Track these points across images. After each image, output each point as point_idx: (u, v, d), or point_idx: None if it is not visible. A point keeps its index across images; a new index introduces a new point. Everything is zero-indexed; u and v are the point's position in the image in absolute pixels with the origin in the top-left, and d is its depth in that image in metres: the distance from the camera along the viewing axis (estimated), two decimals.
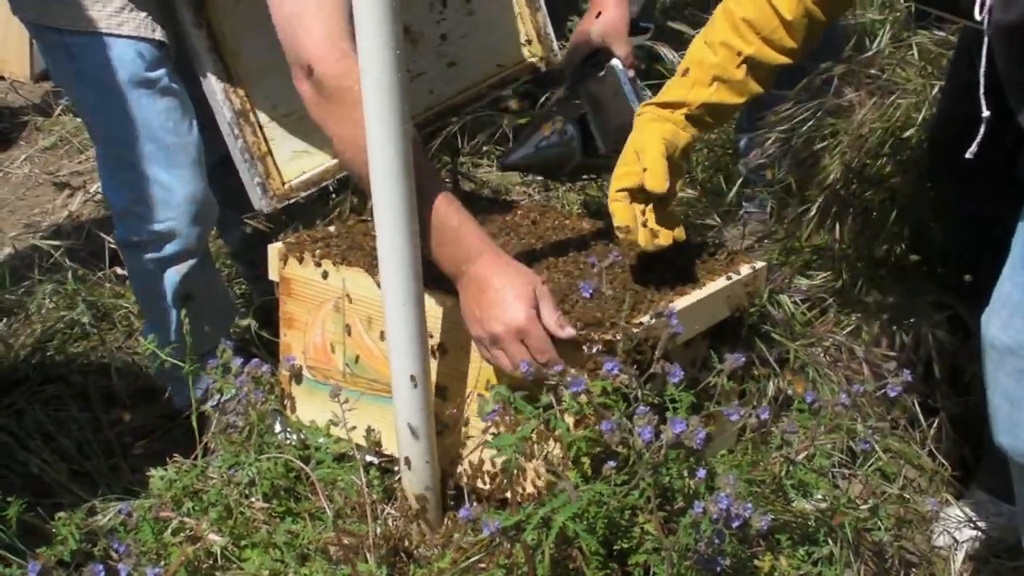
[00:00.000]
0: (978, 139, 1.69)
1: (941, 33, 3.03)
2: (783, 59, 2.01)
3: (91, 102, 2.31)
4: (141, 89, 2.26)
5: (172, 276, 2.43)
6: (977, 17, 1.64)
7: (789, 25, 1.97)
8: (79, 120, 4.53)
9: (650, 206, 2.02)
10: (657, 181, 1.96)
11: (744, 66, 2.00)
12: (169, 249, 2.39)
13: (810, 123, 2.78)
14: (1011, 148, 1.99)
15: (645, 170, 1.96)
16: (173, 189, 2.33)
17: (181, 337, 2.30)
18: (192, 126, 2.36)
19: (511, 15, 2.55)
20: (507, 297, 1.81)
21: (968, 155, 1.69)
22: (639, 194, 1.99)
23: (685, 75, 2.03)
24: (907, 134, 2.71)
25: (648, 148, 1.99)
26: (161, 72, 2.28)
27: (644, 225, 2.00)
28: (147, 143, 2.29)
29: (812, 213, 2.73)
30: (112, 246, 3.25)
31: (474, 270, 1.84)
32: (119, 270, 3.25)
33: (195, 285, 2.47)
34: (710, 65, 2.01)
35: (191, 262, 2.43)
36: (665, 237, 2.03)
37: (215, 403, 2.17)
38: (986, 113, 1.68)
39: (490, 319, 1.83)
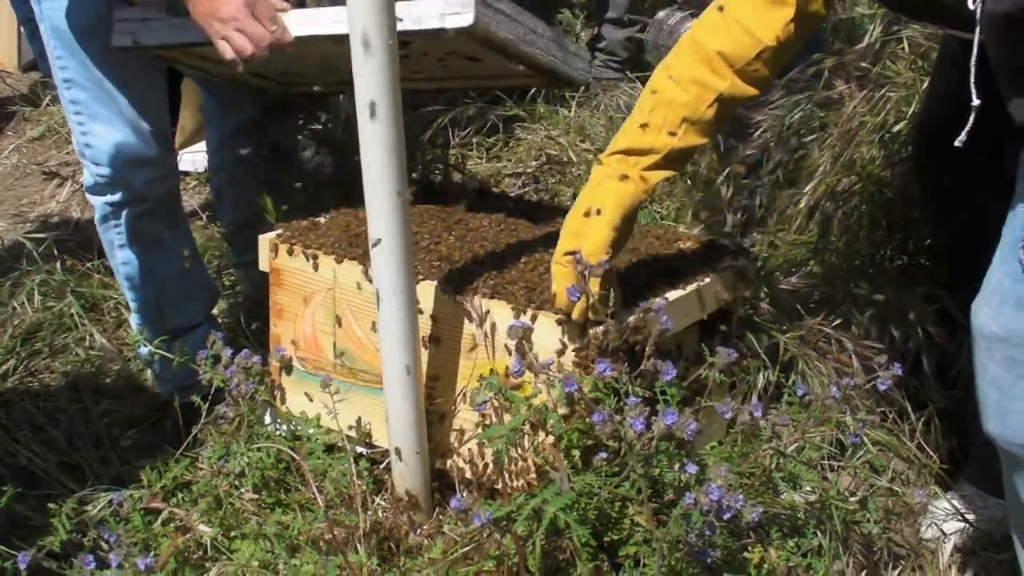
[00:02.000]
0: (967, 127, 1.69)
1: (931, 28, 3.04)
2: (752, 92, 1.90)
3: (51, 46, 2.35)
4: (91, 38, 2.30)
5: (125, 220, 2.48)
6: (970, 6, 1.65)
7: (771, 52, 1.86)
8: None
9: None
10: (596, 254, 1.82)
11: (716, 104, 1.87)
12: (118, 196, 2.44)
13: (799, 115, 2.78)
14: (998, 139, 2.00)
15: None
16: (105, 136, 2.37)
17: (155, 313, 2.32)
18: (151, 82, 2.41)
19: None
20: None
21: (957, 143, 1.69)
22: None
23: (644, 127, 1.88)
24: (897, 127, 2.72)
25: (604, 213, 1.84)
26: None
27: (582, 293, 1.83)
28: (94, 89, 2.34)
29: (801, 206, 2.74)
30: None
31: None
32: (107, 261, 3.24)
33: (146, 237, 2.50)
34: (679, 104, 1.87)
35: (138, 209, 2.46)
36: (598, 312, 1.83)
37: (201, 393, 2.17)
38: (976, 101, 1.68)
39: (219, 5, 2.05)
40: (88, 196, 2.50)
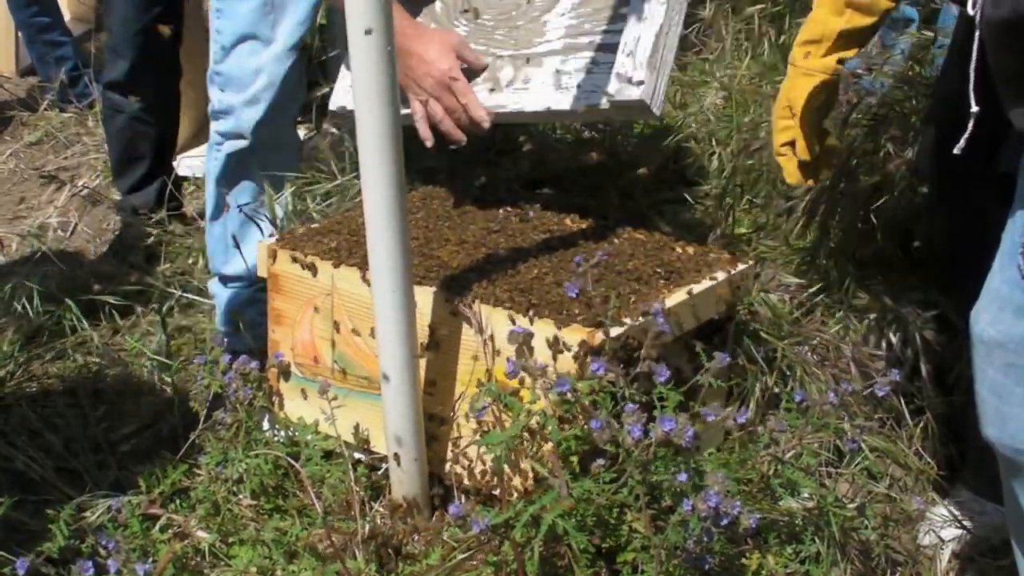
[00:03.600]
0: (966, 134, 1.70)
1: (929, 33, 3.05)
2: None
3: None
4: None
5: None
6: (970, 12, 1.65)
7: None
8: (65, 115, 4.54)
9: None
10: (804, 150, 2.15)
11: None
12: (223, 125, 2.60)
13: None
14: (998, 144, 2.00)
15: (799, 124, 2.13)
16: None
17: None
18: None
19: None
20: (430, 53, 2.16)
21: (956, 150, 1.70)
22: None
23: (814, 20, 2.11)
24: (893, 129, 2.72)
25: (797, 112, 2.12)
26: None
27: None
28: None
29: (799, 210, 2.74)
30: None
31: (398, 42, 1.91)
32: (108, 263, 3.24)
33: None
34: None
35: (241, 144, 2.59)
36: (826, 173, 2.32)
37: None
38: (975, 108, 1.68)
39: (421, 77, 2.15)
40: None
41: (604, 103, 2.13)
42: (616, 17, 2.19)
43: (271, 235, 2.43)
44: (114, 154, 3.51)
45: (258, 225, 2.59)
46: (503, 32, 2.28)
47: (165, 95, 3.42)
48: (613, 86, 2.12)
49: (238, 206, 2.65)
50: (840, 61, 2.11)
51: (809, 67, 2.11)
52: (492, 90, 2.25)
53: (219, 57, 2.60)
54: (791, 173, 2.20)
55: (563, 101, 2.18)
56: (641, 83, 2.09)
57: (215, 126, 2.63)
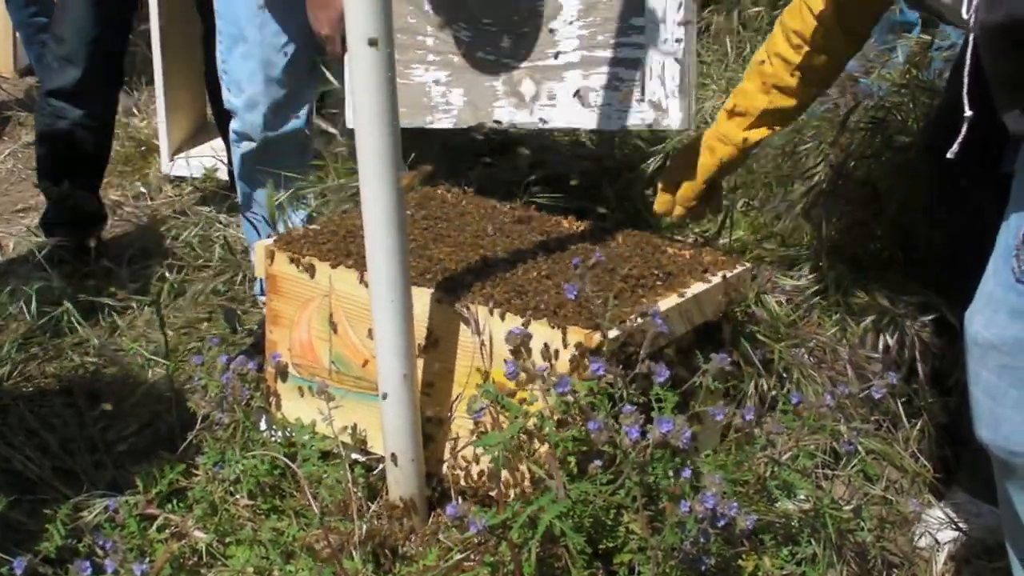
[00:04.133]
0: (959, 138, 1.70)
1: (927, 37, 3.06)
2: (826, 60, 2.14)
3: None
4: None
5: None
6: (964, 16, 1.66)
7: (829, 19, 2.08)
8: None
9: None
10: (688, 199, 2.33)
11: (797, 73, 2.15)
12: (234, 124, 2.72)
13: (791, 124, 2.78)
14: (994, 147, 2.01)
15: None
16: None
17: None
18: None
19: None
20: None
21: (949, 155, 1.70)
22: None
23: (742, 92, 2.21)
24: (891, 133, 2.73)
25: (700, 172, 2.27)
26: None
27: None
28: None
29: (796, 211, 2.75)
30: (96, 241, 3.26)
31: None
32: (106, 262, 3.24)
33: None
34: (768, 74, 2.18)
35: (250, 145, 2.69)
36: (709, 217, 2.49)
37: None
38: (968, 112, 1.69)
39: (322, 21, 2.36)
40: None
41: (639, 123, 2.23)
42: (628, 28, 2.22)
43: (268, 235, 2.44)
44: (48, 161, 3.44)
45: (272, 225, 2.61)
46: (510, 40, 2.30)
47: (109, 107, 3.41)
48: (648, 115, 2.19)
49: (244, 214, 2.69)
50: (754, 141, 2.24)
51: (725, 135, 2.23)
52: (518, 106, 2.30)
53: (224, 56, 2.61)
54: (661, 204, 2.37)
55: (593, 120, 2.25)
56: (677, 112, 2.19)
57: (231, 124, 2.69)
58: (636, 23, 2.21)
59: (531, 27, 2.30)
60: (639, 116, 2.22)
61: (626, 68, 2.23)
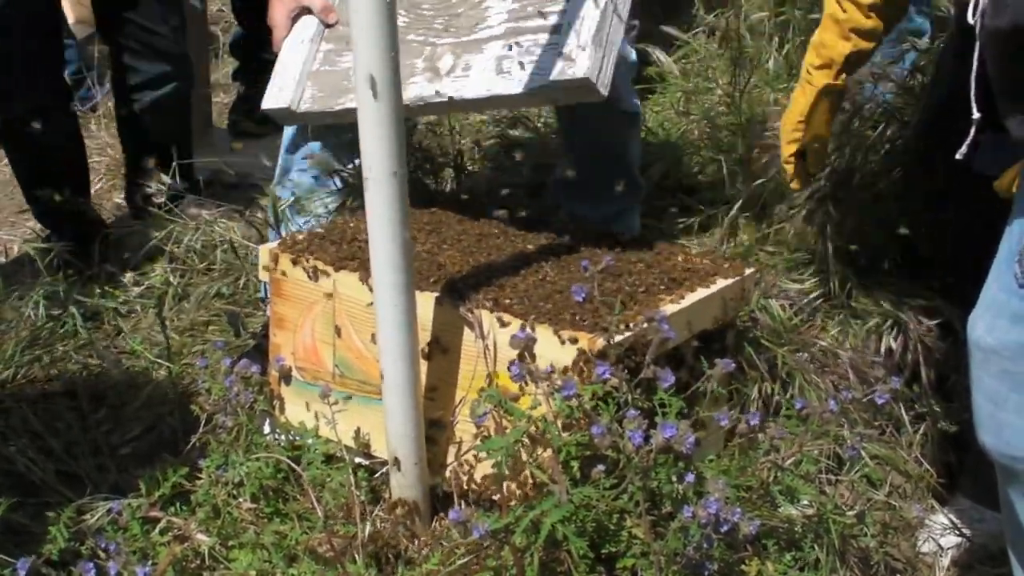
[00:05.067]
0: (968, 139, 1.70)
1: (926, 40, 3.06)
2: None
3: None
4: None
5: None
6: (969, 21, 1.66)
7: None
8: None
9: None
10: (817, 165, 2.32)
11: (872, 13, 2.13)
12: None
13: None
14: (982, 140, 2.00)
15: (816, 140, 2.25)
16: None
17: None
18: None
19: None
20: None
21: (958, 156, 1.71)
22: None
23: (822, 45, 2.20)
24: (893, 134, 2.72)
25: (813, 123, 2.23)
26: None
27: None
28: None
29: (800, 218, 2.74)
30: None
31: None
32: (109, 267, 3.24)
33: None
34: (845, 20, 2.15)
35: None
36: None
37: None
38: (977, 115, 1.69)
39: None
40: None
41: (546, 84, 2.06)
42: None
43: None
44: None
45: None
46: (442, 20, 2.24)
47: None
48: (556, 67, 2.05)
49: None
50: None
51: (820, 83, 2.19)
52: (431, 80, 2.20)
53: None
54: (798, 181, 2.31)
55: (505, 86, 2.11)
56: (585, 61, 2.02)
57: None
58: None
59: (466, 7, 2.24)
60: (548, 74, 2.06)
61: (549, 34, 2.12)
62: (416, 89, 2.19)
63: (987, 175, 1.76)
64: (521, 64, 2.11)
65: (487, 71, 2.14)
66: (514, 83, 2.09)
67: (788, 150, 2.26)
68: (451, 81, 2.18)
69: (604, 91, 2.05)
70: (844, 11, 2.15)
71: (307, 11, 2.39)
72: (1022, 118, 1.62)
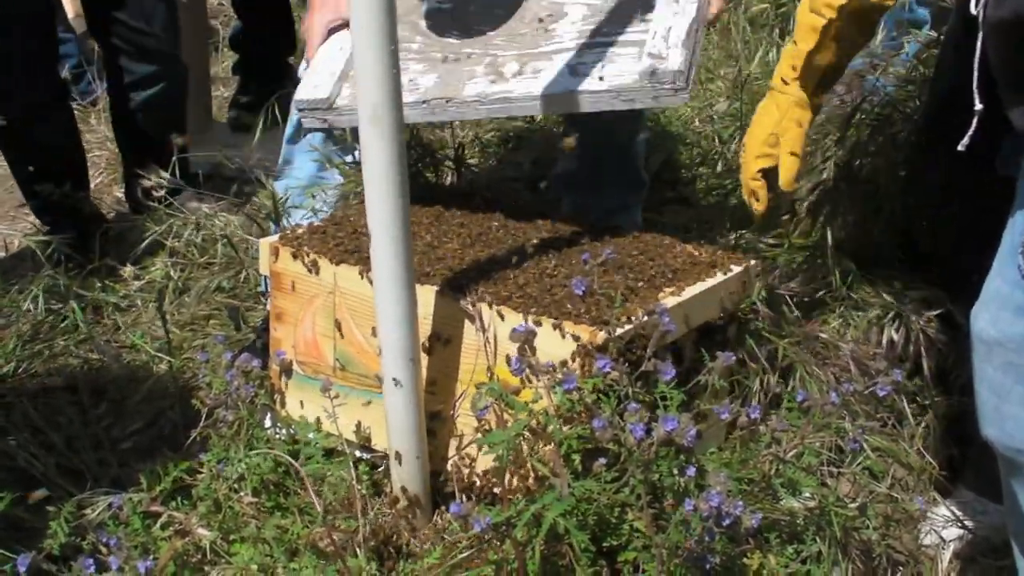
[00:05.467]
0: (970, 132, 1.70)
1: (933, 33, 3.05)
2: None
3: None
4: None
5: None
6: (972, 11, 1.65)
7: None
8: None
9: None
10: (790, 179, 2.10)
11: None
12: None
13: None
14: (1002, 144, 2.00)
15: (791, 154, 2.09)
16: None
17: None
18: None
19: None
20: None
21: (960, 147, 1.70)
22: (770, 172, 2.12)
23: (795, 44, 2.07)
24: (895, 126, 2.72)
25: (788, 138, 2.09)
26: None
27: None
28: None
29: (802, 210, 2.74)
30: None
31: None
32: (109, 261, 3.24)
33: None
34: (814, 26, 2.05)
35: None
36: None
37: None
38: (979, 106, 1.68)
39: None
40: None
41: (631, 83, 2.04)
42: (635, 20, 2.13)
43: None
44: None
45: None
46: (504, 39, 2.22)
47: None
48: (643, 63, 2.02)
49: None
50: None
51: (796, 93, 2.08)
52: (494, 81, 2.16)
53: None
54: (763, 203, 2.15)
55: (583, 84, 2.07)
56: (677, 58, 2.00)
57: (297, 92, 2.69)
58: (646, 16, 2.15)
59: (529, 29, 2.25)
60: (632, 73, 2.04)
61: (625, 47, 2.11)
62: (475, 87, 2.15)
63: (1005, 175, 1.77)
64: (600, 66, 2.08)
65: (560, 74, 2.11)
66: (593, 81, 2.06)
67: (756, 165, 2.13)
68: (517, 82, 2.14)
69: (687, 95, 2.03)
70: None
71: (346, 25, 2.37)
72: None
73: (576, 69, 2.11)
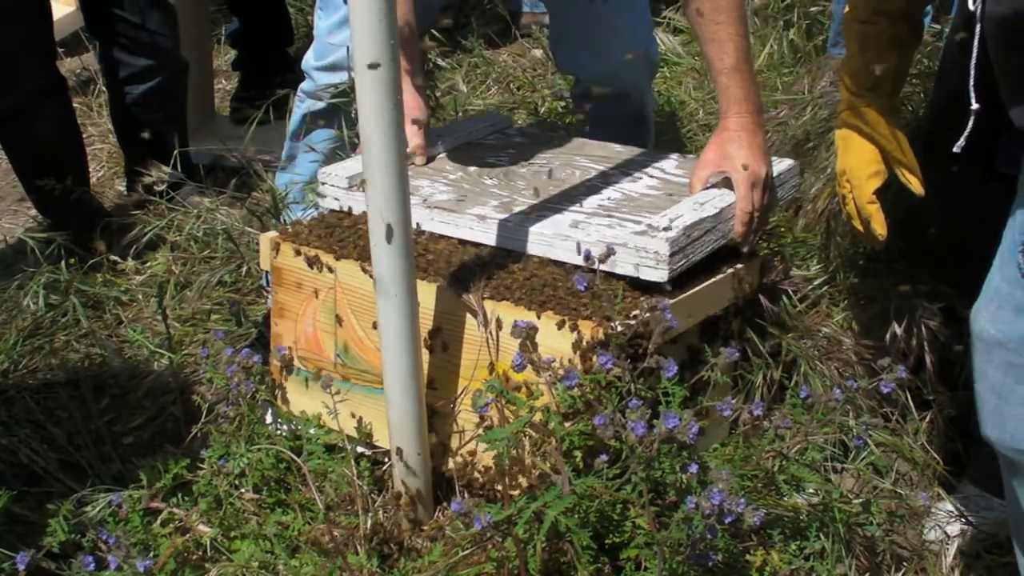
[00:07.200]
0: (967, 131, 1.69)
1: (936, 26, 3.03)
2: None
3: None
4: None
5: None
6: (971, 7, 1.65)
7: None
8: None
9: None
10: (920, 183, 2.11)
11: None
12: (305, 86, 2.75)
13: (807, 116, 2.77)
14: (999, 141, 1.99)
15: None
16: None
17: None
18: None
19: None
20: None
21: (956, 148, 1.69)
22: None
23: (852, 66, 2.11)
24: (902, 123, 2.70)
25: (899, 146, 2.10)
26: None
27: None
28: None
29: (808, 204, 2.73)
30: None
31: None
32: (110, 256, 3.24)
33: None
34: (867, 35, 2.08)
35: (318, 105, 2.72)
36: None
37: None
38: (975, 105, 1.68)
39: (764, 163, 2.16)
40: None
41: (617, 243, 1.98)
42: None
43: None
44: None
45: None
46: (531, 191, 2.22)
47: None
48: (633, 233, 2.00)
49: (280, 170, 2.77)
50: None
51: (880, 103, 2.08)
52: (496, 210, 2.16)
53: (320, 16, 2.69)
54: (883, 224, 2.14)
55: (575, 233, 2.05)
56: (664, 241, 1.95)
57: (302, 85, 2.73)
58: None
59: (559, 190, 2.25)
60: (619, 238, 1.99)
61: (638, 222, 2.07)
62: (478, 209, 2.15)
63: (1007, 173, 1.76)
64: (599, 226, 2.06)
65: (560, 222, 2.09)
66: (584, 233, 2.03)
67: (870, 187, 2.11)
68: (519, 213, 2.14)
69: (665, 274, 1.96)
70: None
71: None
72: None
73: (576, 221, 2.10)
